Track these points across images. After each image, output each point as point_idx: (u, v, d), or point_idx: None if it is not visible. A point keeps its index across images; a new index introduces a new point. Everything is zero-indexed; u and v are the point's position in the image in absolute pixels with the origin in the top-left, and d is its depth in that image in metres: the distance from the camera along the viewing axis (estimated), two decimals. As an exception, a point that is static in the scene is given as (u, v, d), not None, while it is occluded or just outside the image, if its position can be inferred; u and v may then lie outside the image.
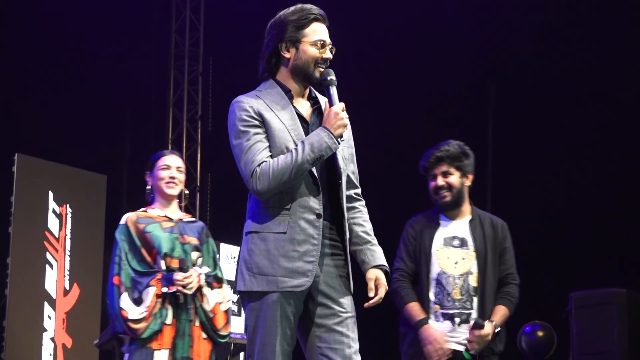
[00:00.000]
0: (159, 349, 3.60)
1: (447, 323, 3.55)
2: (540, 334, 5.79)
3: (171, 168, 3.79)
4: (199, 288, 3.68)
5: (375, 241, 2.73)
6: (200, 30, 8.15)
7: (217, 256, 3.95)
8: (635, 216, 6.80)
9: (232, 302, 3.85)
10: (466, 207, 3.67)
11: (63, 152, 7.06)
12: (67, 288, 6.66)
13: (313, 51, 2.66)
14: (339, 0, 6.38)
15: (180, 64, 8.10)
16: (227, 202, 6.53)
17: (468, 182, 3.67)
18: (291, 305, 2.56)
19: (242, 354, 6.22)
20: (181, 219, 3.81)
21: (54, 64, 7.34)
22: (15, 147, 6.62)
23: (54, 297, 6.56)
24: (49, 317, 6.52)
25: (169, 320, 3.63)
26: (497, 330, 3.56)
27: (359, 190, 2.78)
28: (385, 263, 2.70)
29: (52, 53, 7.32)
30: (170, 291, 3.61)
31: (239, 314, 6.20)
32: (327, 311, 2.59)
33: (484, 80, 7.68)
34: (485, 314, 3.56)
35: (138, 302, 3.61)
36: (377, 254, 2.69)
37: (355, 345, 2.60)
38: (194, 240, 3.76)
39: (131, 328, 3.57)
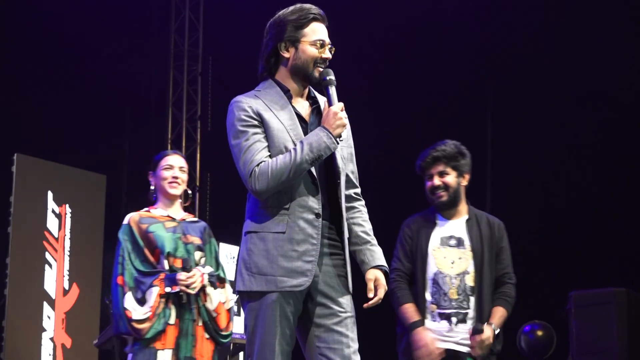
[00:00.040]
0: (162, 349, 3.61)
1: (444, 323, 3.55)
2: (539, 333, 5.79)
3: (174, 168, 3.80)
4: (202, 288, 3.68)
5: (374, 241, 2.73)
6: (200, 30, 8.15)
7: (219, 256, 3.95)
8: (635, 216, 6.81)
9: (234, 302, 3.85)
10: (463, 207, 3.67)
11: (62, 152, 7.06)
12: (67, 288, 6.66)
13: (312, 51, 2.66)
14: (339, 0, 6.38)
15: (179, 63, 8.10)
16: (226, 202, 6.53)
17: (464, 182, 3.67)
18: (290, 305, 2.56)
19: (241, 354, 6.22)
20: (184, 219, 3.82)
21: (53, 64, 7.34)
22: (15, 147, 6.62)
23: (54, 297, 6.56)
24: (49, 317, 6.52)
25: (173, 320, 3.64)
26: (497, 332, 3.56)
27: (358, 190, 2.78)
28: (385, 263, 2.70)
29: (52, 53, 7.32)
30: (173, 291, 3.62)
31: (239, 314, 6.20)
32: (326, 311, 2.59)
33: (484, 80, 7.68)
34: (482, 313, 3.56)
35: (141, 302, 3.61)
36: (376, 254, 2.69)
37: (355, 345, 2.60)
38: (196, 240, 3.76)
39: (135, 328, 3.57)
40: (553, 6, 7.16)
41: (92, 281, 6.84)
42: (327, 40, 2.69)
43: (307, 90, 2.73)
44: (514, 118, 7.46)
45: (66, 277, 6.66)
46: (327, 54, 2.68)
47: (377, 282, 2.65)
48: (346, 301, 2.61)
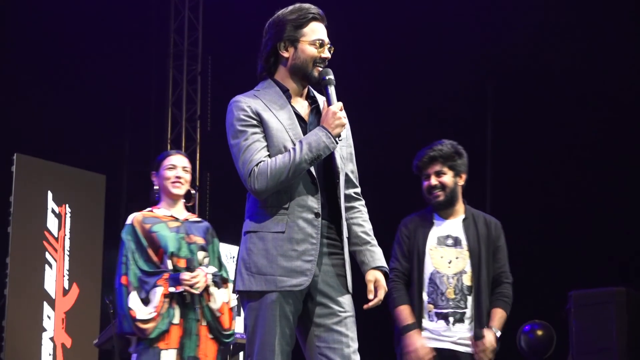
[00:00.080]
0: (166, 349, 3.61)
1: (442, 322, 3.56)
2: (539, 333, 5.79)
3: (177, 168, 3.80)
4: (206, 288, 3.69)
5: (374, 242, 2.72)
6: (199, 30, 8.16)
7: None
8: (635, 216, 6.81)
9: (236, 301, 3.85)
10: (460, 206, 3.68)
11: (62, 152, 7.06)
12: (67, 288, 6.66)
13: (311, 50, 2.66)
14: (339, 0, 6.39)
15: (179, 63, 8.11)
16: (226, 201, 6.54)
17: (461, 182, 3.68)
18: (290, 305, 2.56)
19: (241, 354, 6.22)
20: (187, 219, 3.82)
21: (53, 64, 7.34)
22: (14, 147, 6.62)
23: (54, 297, 6.56)
24: (49, 317, 6.52)
25: (177, 320, 3.64)
26: (498, 334, 3.56)
27: (358, 190, 2.78)
28: (385, 264, 2.70)
29: (52, 53, 7.32)
30: (177, 291, 3.62)
31: (239, 314, 6.20)
32: (326, 310, 2.59)
33: (484, 81, 7.68)
34: (480, 312, 3.56)
35: (145, 302, 3.61)
36: (376, 255, 2.69)
37: (354, 345, 2.60)
38: (200, 240, 3.76)
39: (140, 328, 3.57)
40: (553, 6, 7.16)
41: (92, 281, 6.84)
42: (327, 40, 2.69)
43: (306, 90, 2.73)
44: (514, 118, 7.46)
45: (66, 277, 6.66)
46: (327, 54, 2.68)
47: (377, 283, 2.65)
48: (346, 301, 2.62)
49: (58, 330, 6.54)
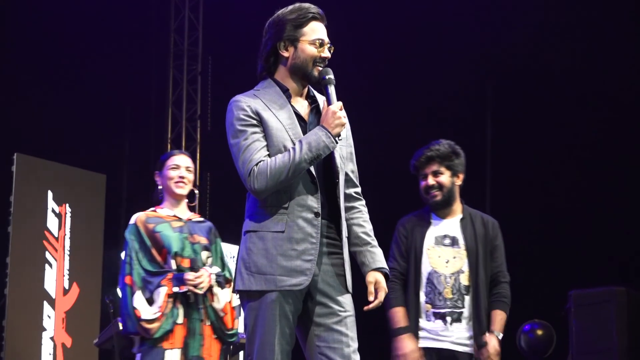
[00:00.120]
0: (170, 349, 3.61)
1: (439, 322, 3.56)
2: (539, 332, 5.79)
3: (180, 168, 3.80)
4: (209, 288, 3.69)
5: (375, 242, 2.72)
6: (199, 30, 8.16)
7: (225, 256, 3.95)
8: (635, 215, 6.81)
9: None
10: (457, 206, 3.68)
11: (62, 151, 7.06)
12: (67, 287, 6.66)
13: (311, 50, 2.66)
14: (339, 0, 6.39)
15: (179, 63, 8.11)
16: (226, 201, 6.53)
17: (459, 182, 3.69)
18: (290, 304, 2.56)
19: (241, 353, 6.22)
20: (190, 219, 3.82)
21: (53, 63, 7.34)
22: (15, 146, 6.62)
23: (54, 297, 6.56)
24: (49, 317, 6.52)
25: (180, 319, 3.65)
26: (500, 337, 3.57)
27: (359, 189, 2.78)
28: (385, 265, 2.70)
29: (52, 53, 7.33)
30: (181, 291, 3.62)
31: (239, 313, 6.21)
32: (326, 310, 2.59)
33: (484, 80, 7.69)
34: (479, 312, 3.57)
35: (149, 302, 3.61)
36: (377, 256, 2.69)
37: (354, 344, 2.60)
38: (203, 240, 3.77)
39: (144, 328, 3.57)
40: (553, 6, 7.16)
41: (92, 280, 6.85)
42: (326, 40, 2.69)
43: (306, 90, 2.73)
44: (514, 118, 7.46)
45: (66, 277, 6.67)
46: (326, 53, 2.68)
47: (377, 285, 2.65)
48: (346, 300, 2.62)
49: (58, 330, 6.54)
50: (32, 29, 7.23)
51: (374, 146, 6.50)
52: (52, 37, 7.27)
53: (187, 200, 3.86)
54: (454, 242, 3.63)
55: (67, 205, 6.75)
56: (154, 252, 3.68)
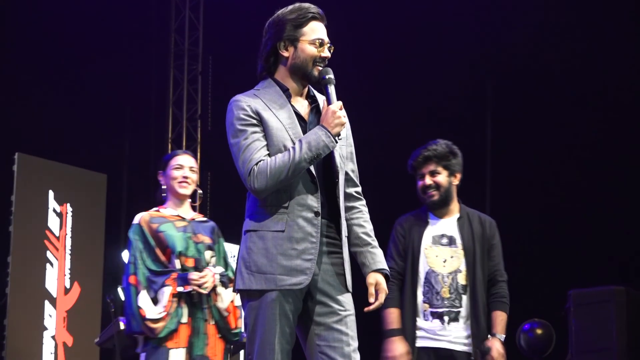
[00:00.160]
0: (175, 348, 3.62)
1: (437, 322, 3.57)
2: (539, 331, 5.79)
3: (184, 168, 3.81)
4: (213, 287, 3.70)
5: (375, 243, 2.73)
6: (200, 30, 8.17)
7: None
8: (634, 215, 6.82)
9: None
10: (454, 206, 3.69)
11: (63, 151, 7.07)
12: (68, 287, 6.68)
13: (311, 50, 2.66)
14: (339, 0, 6.39)
15: (179, 63, 8.12)
16: (226, 201, 6.54)
17: (456, 181, 3.69)
18: (290, 304, 2.56)
19: (242, 352, 6.23)
20: (194, 219, 3.83)
21: (53, 63, 7.35)
22: (15, 146, 6.63)
23: (55, 296, 6.58)
24: (50, 316, 6.54)
25: (185, 319, 3.65)
26: (502, 339, 3.57)
27: (359, 189, 2.78)
28: (386, 266, 2.70)
29: (52, 53, 7.33)
30: (185, 290, 3.63)
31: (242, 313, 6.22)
32: (326, 309, 2.60)
33: (484, 80, 7.69)
34: (477, 311, 3.57)
35: (154, 301, 3.62)
36: (377, 257, 2.69)
37: (354, 343, 2.61)
38: (207, 240, 3.77)
39: (149, 327, 3.58)
40: (553, 6, 7.17)
41: (93, 280, 6.86)
42: (326, 39, 2.69)
43: (306, 89, 2.73)
44: (514, 118, 7.47)
45: (67, 276, 6.68)
46: (326, 53, 2.68)
47: (378, 286, 2.65)
48: (346, 299, 2.62)
49: (59, 329, 6.55)
50: (32, 29, 7.24)
51: (374, 146, 6.50)
52: (52, 37, 7.28)
53: (190, 200, 3.87)
54: (451, 241, 3.64)
55: (68, 204, 6.76)
56: (158, 251, 3.69)
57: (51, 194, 6.67)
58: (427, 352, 3.57)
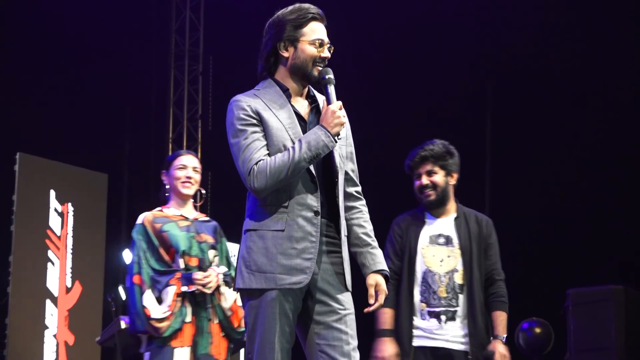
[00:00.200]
0: (180, 347, 3.63)
1: (434, 321, 3.58)
2: (537, 330, 5.80)
3: (187, 168, 3.82)
4: (217, 287, 3.71)
5: (375, 243, 2.73)
6: (200, 30, 8.18)
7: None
8: (633, 215, 6.83)
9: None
10: (451, 205, 3.70)
11: (63, 151, 7.09)
12: (69, 286, 6.70)
13: (311, 50, 2.67)
14: (339, 0, 6.40)
15: (180, 63, 8.14)
16: (227, 200, 6.55)
17: (453, 181, 3.70)
18: (290, 303, 2.57)
19: (242, 351, 6.24)
20: (196, 218, 3.85)
21: (53, 63, 7.36)
22: (16, 146, 6.65)
23: (56, 295, 6.60)
24: (51, 315, 6.55)
25: (189, 318, 3.67)
26: (504, 339, 3.59)
27: (359, 188, 2.79)
28: (386, 267, 2.71)
29: (52, 53, 7.35)
30: (190, 290, 3.64)
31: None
32: (326, 308, 2.61)
33: (484, 80, 7.70)
34: (474, 310, 3.58)
35: (158, 301, 3.63)
36: (377, 258, 2.69)
37: (354, 342, 2.62)
38: (210, 239, 3.79)
39: (154, 327, 3.59)
40: (553, 6, 7.18)
41: (94, 279, 6.88)
42: (326, 40, 2.69)
43: (306, 90, 2.74)
44: (514, 118, 7.48)
45: (68, 275, 6.70)
46: (326, 53, 2.69)
47: (377, 287, 2.66)
48: (345, 298, 2.63)
49: (61, 328, 6.57)
50: (32, 29, 7.25)
51: (374, 146, 6.51)
52: (52, 37, 7.29)
53: (193, 200, 3.88)
54: (448, 241, 3.65)
55: (70, 204, 6.78)
56: (161, 251, 3.70)
57: (52, 193, 6.69)
58: (424, 352, 3.58)
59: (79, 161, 7.05)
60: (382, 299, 2.65)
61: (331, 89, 2.66)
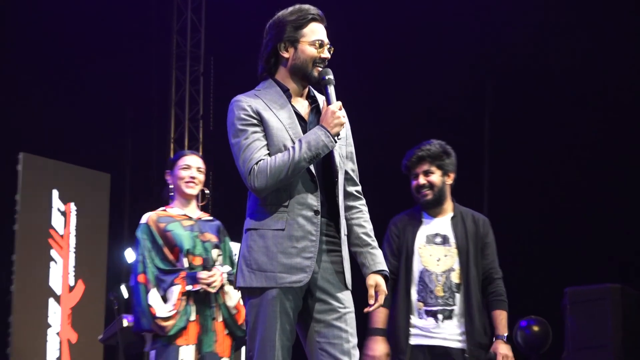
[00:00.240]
0: (185, 345, 3.65)
1: (431, 320, 3.60)
2: (535, 328, 5.80)
3: (191, 168, 3.84)
4: (222, 286, 3.74)
5: (375, 243, 2.74)
6: (202, 31, 8.21)
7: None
8: (630, 215, 6.84)
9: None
10: (448, 205, 3.72)
11: (65, 151, 7.11)
12: (72, 284, 6.72)
13: (311, 51, 2.68)
14: (339, 0, 6.42)
15: (181, 64, 8.16)
16: (228, 200, 6.58)
17: (449, 181, 3.72)
18: (290, 301, 2.59)
19: (243, 349, 6.27)
20: (200, 218, 3.87)
21: (54, 63, 7.38)
22: (17, 146, 6.67)
23: (59, 293, 6.63)
24: (54, 313, 6.58)
25: (193, 316, 3.69)
26: (506, 337, 3.61)
27: (359, 188, 2.80)
28: (386, 267, 2.72)
29: (52, 53, 7.36)
30: (194, 289, 3.67)
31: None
32: (326, 307, 2.62)
33: (484, 80, 7.71)
34: (471, 309, 3.60)
35: (162, 300, 3.65)
36: (377, 258, 2.71)
37: (354, 340, 2.63)
38: (213, 238, 3.81)
39: (159, 325, 3.61)
40: (553, 6, 7.18)
41: (97, 277, 6.91)
42: (326, 40, 2.71)
43: (306, 90, 2.75)
44: (514, 118, 7.48)
45: (71, 274, 6.73)
46: (326, 54, 2.70)
47: (377, 287, 2.67)
48: (345, 297, 2.64)
49: (64, 326, 6.60)
50: (32, 29, 7.26)
51: (374, 146, 6.52)
52: (52, 37, 7.31)
53: (196, 200, 3.90)
54: (445, 240, 3.66)
55: (72, 203, 6.81)
56: (166, 250, 3.72)
57: (55, 193, 6.72)
58: (422, 350, 3.59)
59: (79, 161, 7.07)
60: (382, 299, 2.67)
61: (331, 90, 2.67)
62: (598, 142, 7.02)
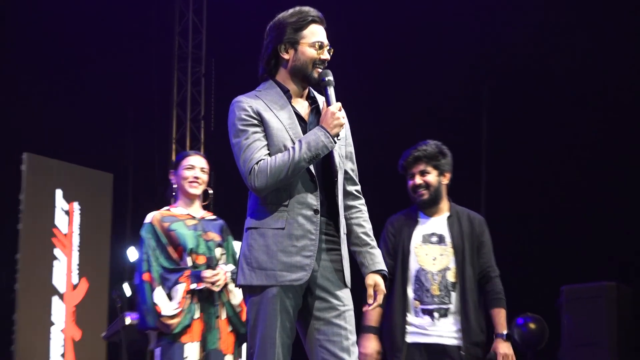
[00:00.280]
0: (190, 342, 3.69)
1: (427, 318, 3.63)
2: (532, 326, 5.82)
3: (195, 168, 3.88)
4: (225, 284, 3.77)
5: (374, 243, 2.76)
6: (203, 33, 8.23)
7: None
8: (630, 215, 6.84)
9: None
10: (444, 204, 3.75)
11: (65, 151, 7.13)
12: (76, 282, 6.76)
13: (311, 52, 2.71)
14: (339, 0, 6.44)
15: (183, 65, 8.19)
16: (229, 200, 6.60)
17: (445, 181, 3.75)
18: (290, 299, 2.62)
19: (244, 346, 6.30)
20: (203, 217, 3.90)
21: (54, 63, 7.39)
22: (17, 146, 6.70)
23: (63, 292, 6.67)
24: (58, 311, 6.62)
25: (197, 314, 3.72)
26: (505, 335, 3.64)
27: (358, 187, 2.83)
28: (384, 267, 2.75)
29: (52, 53, 7.38)
30: (199, 288, 3.70)
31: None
32: (326, 305, 2.65)
33: (484, 80, 7.70)
34: (466, 308, 3.63)
35: (167, 298, 3.69)
36: (376, 258, 2.73)
37: (353, 337, 2.66)
38: (216, 237, 3.84)
39: (164, 323, 3.65)
40: (553, 6, 7.18)
41: (100, 275, 6.95)
42: (326, 42, 2.74)
43: (306, 91, 2.78)
44: (514, 118, 7.48)
45: (75, 272, 6.76)
46: (326, 55, 2.73)
47: (376, 287, 2.70)
48: (345, 295, 2.67)
49: (68, 324, 6.64)
50: (32, 29, 7.27)
51: (374, 146, 6.52)
52: (52, 37, 7.32)
53: (199, 200, 3.93)
54: (440, 239, 3.69)
55: (76, 203, 6.85)
56: (170, 249, 3.75)
57: (59, 192, 6.75)
58: (418, 348, 3.62)
59: (79, 161, 7.10)
60: (380, 298, 2.70)
61: (331, 91, 2.70)
62: (598, 142, 7.02)
